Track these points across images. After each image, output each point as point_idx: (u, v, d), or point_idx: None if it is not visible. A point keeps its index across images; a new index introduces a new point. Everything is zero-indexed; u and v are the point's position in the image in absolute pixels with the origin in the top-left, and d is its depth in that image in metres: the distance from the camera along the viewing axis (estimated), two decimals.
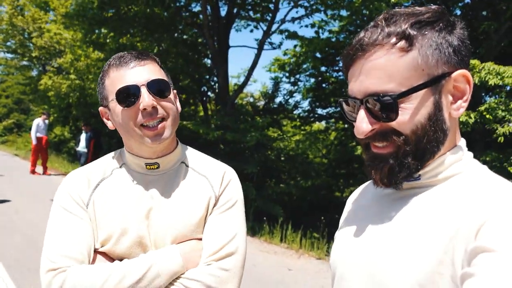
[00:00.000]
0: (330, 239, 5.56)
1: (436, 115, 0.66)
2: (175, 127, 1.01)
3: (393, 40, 0.64)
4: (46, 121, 10.96)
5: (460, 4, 7.98)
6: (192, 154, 1.13)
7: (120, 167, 1.08)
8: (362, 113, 0.68)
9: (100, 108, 1.05)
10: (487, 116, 4.36)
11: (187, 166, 1.09)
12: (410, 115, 0.65)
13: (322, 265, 4.95)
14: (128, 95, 0.94)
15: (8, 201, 7.09)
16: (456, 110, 0.68)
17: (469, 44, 0.69)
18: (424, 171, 0.70)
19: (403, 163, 0.68)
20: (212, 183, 1.06)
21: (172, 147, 1.07)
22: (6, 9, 14.62)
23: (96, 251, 1.00)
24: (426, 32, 0.65)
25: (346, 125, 8.99)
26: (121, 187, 1.03)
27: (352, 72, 0.69)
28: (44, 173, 10.75)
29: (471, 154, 0.73)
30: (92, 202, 1.01)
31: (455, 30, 0.67)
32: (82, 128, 10.38)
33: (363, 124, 0.68)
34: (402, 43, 0.64)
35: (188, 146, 1.15)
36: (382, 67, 0.65)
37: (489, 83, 4.35)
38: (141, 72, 0.96)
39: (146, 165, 1.04)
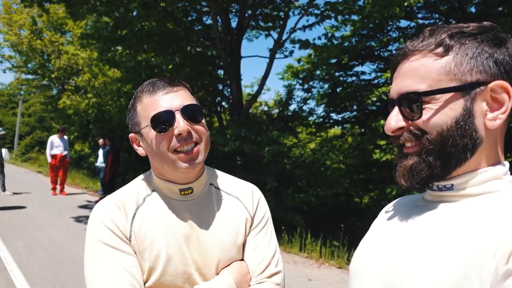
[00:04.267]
0: (350, 247, 5.45)
1: (465, 121, 0.67)
2: (207, 151, 1.02)
3: (431, 46, 0.69)
4: (65, 137, 10.46)
5: (475, 1, 7.84)
6: (216, 174, 1.15)
7: (151, 193, 1.05)
8: (394, 111, 0.72)
9: (131, 135, 1.05)
10: None
11: (216, 188, 1.11)
12: (435, 115, 0.68)
13: (343, 275, 4.85)
14: (163, 121, 0.95)
15: (32, 218, 7.27)
16: (491, 120, 0.68)
17: None
18: (458, 181, 0.70)
19: (425, 161, 0.69)
20: (245, 204, 1.10)
21: (202, 170, 1.08)
22: (25, 33, 15.29)
23: None
24: (466, 42, 0.68)
25: (362, 130, 8.86)
26: (157, 216, 1.01)
27: (394, 76, 0.75)
28: (61, 193, 10.26)
29: None
30: (134, 234, 0.98)
31: (505, 45, 0.69)
32: (98, 143, 10.40)
33: (392, 121, 0.72)
34: (439, 49, 0.68)
35: (208, 166, 1.13)
36: (417, 69, 0.69)
37: None
38: (174, 98, 0.97)
39: (180, 191, 1.03)
